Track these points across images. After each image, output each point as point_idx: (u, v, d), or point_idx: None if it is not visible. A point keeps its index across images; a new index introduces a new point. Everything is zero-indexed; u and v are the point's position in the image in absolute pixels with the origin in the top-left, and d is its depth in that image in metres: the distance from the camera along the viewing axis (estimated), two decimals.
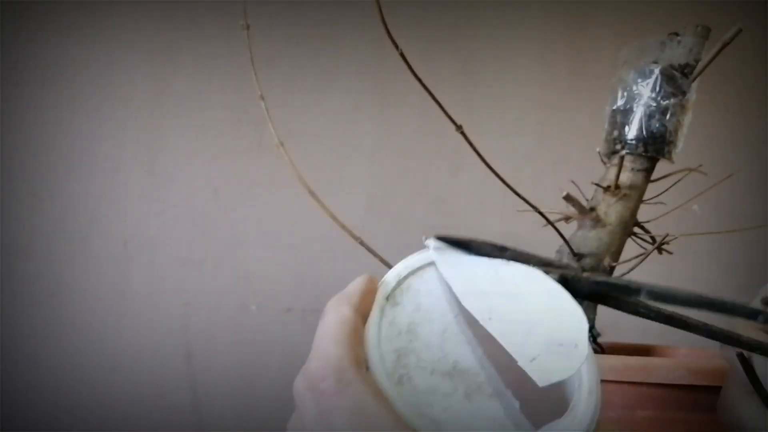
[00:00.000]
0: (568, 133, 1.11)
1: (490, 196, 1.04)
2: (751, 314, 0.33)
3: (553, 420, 0.32)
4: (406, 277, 0.35)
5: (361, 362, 0.31)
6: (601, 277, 0.33)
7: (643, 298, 0.32)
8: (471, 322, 0.34)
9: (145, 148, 1.02)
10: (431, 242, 0.36)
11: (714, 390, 0.52)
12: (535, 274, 0.34)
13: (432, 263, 0.35)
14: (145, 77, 1.02)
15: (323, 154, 1.05)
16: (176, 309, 1.01)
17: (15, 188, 0.98)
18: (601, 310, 0.64)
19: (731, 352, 0.39)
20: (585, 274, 0.32)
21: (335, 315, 0.32)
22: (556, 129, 1.12)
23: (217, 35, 1.03)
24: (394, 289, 0.35)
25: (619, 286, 0.33)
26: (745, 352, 0.38)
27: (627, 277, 0.59)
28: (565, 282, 0.32)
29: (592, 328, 0.62)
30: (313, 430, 0.30)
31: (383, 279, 0.35)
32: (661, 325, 0.36)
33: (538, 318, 0.32)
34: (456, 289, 0.34)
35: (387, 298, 0.34)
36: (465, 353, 0.33)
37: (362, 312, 0.33)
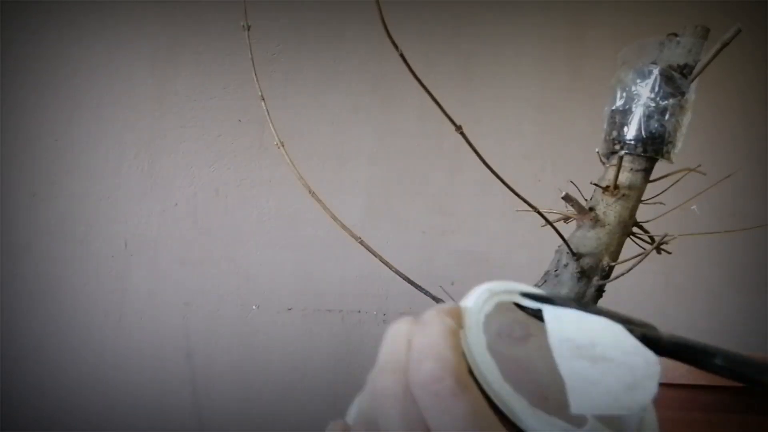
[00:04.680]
0: (568, 134, 1.11)
1: (489, 196, 1.04)
2: None
3: None
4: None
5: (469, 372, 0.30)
6: (681, 339, 0.33)
7: (718, 362, 0.32)
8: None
9: (145, 149, 1.02)
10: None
11: (714, 390, 0.52)
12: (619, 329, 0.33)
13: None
14: (145, 78, 1.02)
15: (323, 154, 1.05)
16: (177, 309, 1.01)
17: (15, 188, 0.98)
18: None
19: None
20: (666, 334, 0.32)
21: (442, 325, 0.31)
22: (555, 129, 1.12)
23: (218, 36, 1.03)
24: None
25: (696, 349, 0.33)
26: None
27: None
28: (645, 339, 0.32)
29: None
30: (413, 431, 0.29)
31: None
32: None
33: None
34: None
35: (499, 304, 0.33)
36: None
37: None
